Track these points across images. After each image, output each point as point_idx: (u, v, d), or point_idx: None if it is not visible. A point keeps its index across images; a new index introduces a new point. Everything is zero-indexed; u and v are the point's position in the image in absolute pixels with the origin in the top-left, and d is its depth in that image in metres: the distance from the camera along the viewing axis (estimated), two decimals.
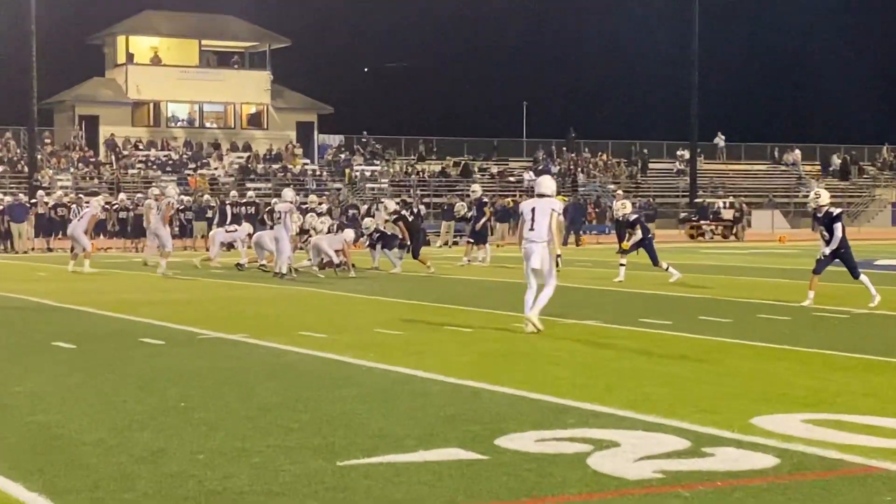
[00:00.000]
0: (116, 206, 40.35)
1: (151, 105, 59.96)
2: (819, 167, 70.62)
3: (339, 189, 55.69)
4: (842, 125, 78.10)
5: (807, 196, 18.69)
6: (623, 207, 22.72)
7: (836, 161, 69.67)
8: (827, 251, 16.68)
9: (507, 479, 6.40)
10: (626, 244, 22.49)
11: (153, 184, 39.84)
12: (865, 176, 70.08)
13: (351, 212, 44.10)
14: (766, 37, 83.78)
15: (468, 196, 33.48)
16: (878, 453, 7.00)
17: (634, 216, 22.86)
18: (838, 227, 16.58)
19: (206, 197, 43.42)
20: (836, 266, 17.11)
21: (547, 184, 13.88)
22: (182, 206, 38.75)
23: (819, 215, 16.93)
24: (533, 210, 13.54)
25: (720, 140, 69.93)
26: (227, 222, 34.12)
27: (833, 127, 77.30)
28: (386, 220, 25.66)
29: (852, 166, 70.05)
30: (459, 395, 9.17)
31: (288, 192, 24.51)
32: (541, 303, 13.44)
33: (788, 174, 69.50)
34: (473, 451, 7.05)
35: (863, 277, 16.75)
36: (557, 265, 13.50)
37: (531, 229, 13.47)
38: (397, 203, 38.84)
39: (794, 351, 11.80)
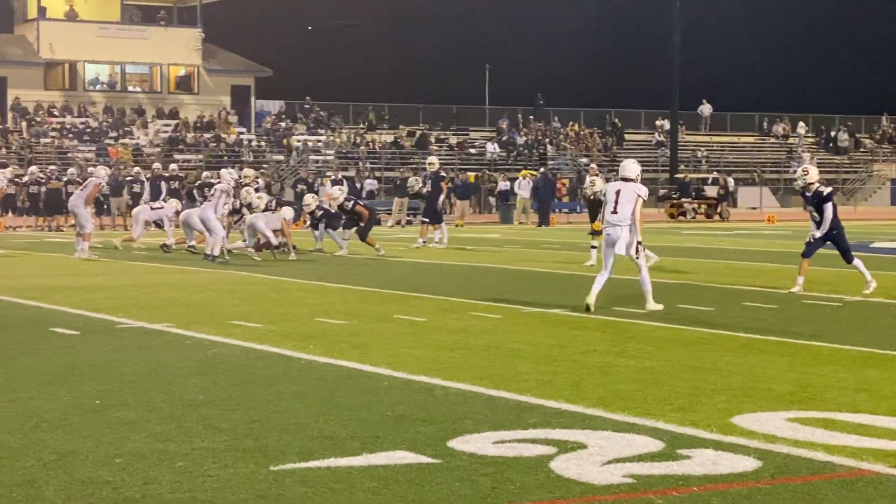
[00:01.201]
0: (26, 179, 40.03)
1: (66, 66, 59.39)
2: (813, 139, 71.15)
3: (279, 161, 55.52)
4: (837, 93, 78.71)
5: (796, 172, 18.86)
6: (593, 185, 22.83)
7: (845, 137, 69.85)
8: (817, 234, 16.82)
9: (460, 486, 6.43)
10: (598, 224, 22.59)
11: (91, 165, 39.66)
12: (863, 149, 70.63)
13: (300, 187, 44.08)
14: None
15: (423, 170, 33.43)
16: (869, 455, 7.08)
17: None
18: (829, 207, 16.72)
19: (137, 169, 43.17)
20: (828, 249, 17.26)
21: (631, 167, 14.96)
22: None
23: (808, 194, 17.06)
24: (618, 193, 14.57)
25: (706, 108, 70.25)
26: (162, 198, 34.07)
27: (826, 95, 77.89)
28: (340, 205, 25.57)
29: (836, 135, 70.55)
30: (410, 392, 9.19)
31: (227, 174, 24.83)
32: (647, 288, 14.60)
33: (778, 147, 69.97)
34: (424, 455, 7.07)
35: (857, 262, 16.91)
36: (637, 252, 14.54)
37: (614, 212, 14.50)
38: (340, 180, 38.80)
39: (781, 342, 11.90)
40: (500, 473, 6.65)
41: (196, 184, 37.86)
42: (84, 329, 12.82)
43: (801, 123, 71.01)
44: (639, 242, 14.60)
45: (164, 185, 39.36)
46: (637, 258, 14.64)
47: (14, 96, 56.40)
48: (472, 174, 52.68)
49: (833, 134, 70.25)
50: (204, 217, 23.42)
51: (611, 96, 72.33)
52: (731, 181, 59.09)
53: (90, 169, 27.53)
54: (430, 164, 30.28)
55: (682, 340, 12.06)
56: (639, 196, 14.64)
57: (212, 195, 23.82)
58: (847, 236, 17.20)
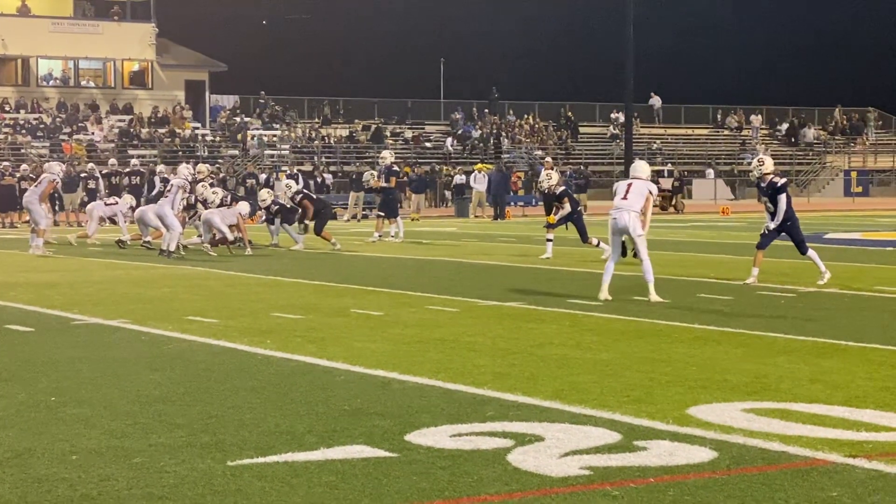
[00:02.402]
0: None
1: (19, 61, 58.91)
2: (767, 131, 71.63)
3: (233, 156, 55.29)
4: (789, 85, 79.21)
5: (750, 163, 19.02)
6: (549, 178, 22.85)
7: (811, 133, 70.12)
8: (772, 225, 16.92)
9: (417, 479, 6.42)
10: (553, 218, 22.66)
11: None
12: (815, 141, 71.12)
13: (249, 182, 43.89)
14: None
15: (379, 164, 33.36)
16: (824, 444, 7.13)
17: (562, 188, 23.02)
18: (783, 198, 16.81)
19: (91, 165, 42.86)
20: (782, 240, 17.37)
21: (643, 168, 15.70)
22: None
23: (763, 185, 17.16)
24: (629, 185, 15.13)
25: (656, 101, 70.55)
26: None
27: (779, 88, 78.37)
28: (291, 196, 25.52)
29: (802, 130, 71.04)
30: (366, 386, 9.17)
31: (184, 169, 24.80)
32: (649, 278, 14.91)
33: (732, 139, 70.33)
34: (381, 449, 7.06)
35: (811, 253, 17.01)
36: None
37: (624, 199, 15.02)
38: (295, 175, 38.68)
39: (736, 333, 11.96)
40: (457, 466, 6.65)
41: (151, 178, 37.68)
42: (39, 326, 12.73)
43: (757, 117, 71.38)
44: (639, 235, 15.05)
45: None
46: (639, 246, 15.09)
47: None
48: (422, 168, 52.57)
49: (800, 129, 70.55)
50: (161, 213, 23.33)
51: (565, 89, 72.52)
52: (710, 172, 59.61)
53: (45, 165, 27.35)
54: (382, 158, 30.22)
55: (638, 332, 12.10)
56: (650, 192, 15.19)
57: (168, 191, 23.74)
58: (801, 227, 17.31)
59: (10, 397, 8.72)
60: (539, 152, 60.53)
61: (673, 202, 50.12)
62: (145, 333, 12.12)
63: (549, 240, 22.63)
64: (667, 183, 51.77)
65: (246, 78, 66.93)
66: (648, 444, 7.14)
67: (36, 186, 25.33)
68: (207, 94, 62.14)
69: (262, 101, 63.37)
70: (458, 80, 76.21)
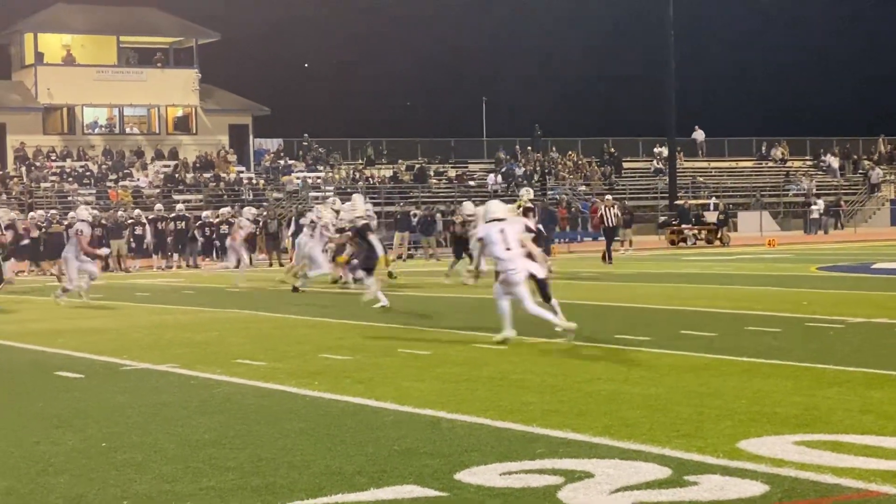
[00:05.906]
0: (28, 224, 40.00)
1: (65, 110, 59.56)
2: (812, 163, 71.24)
3: (278, 199, 55.58)
4: (833, 116, 78.83)
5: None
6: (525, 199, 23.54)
7: (875, 174, 68.93)
8: None
9: None
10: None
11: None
12: (861, 171, 70.64)
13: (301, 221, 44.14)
14: (744, 24, 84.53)
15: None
16: (877, 476, 7.07)
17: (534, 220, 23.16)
18: None
19: (138, 211, 43.19)
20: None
21: (497, 208, 15.31)
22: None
23: None
24: (502, 231, 14.80)
25: (699, 134, 70.43)
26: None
27: (823, 118, 78.02)
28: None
29: (845, 161, 70.60)
30: (415, 425, 9.17)
31: (323, 209, 26.87)
32: (549, 316, 14.66)
33: (776, 171, 70.02)
34: (432, 488, 7.06)
35: None
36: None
37: (508, 249, 14.71)
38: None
39: (785, 366, 11.89)
40: None
41: (197, 224, 37.95)
42: (88, 372, 12.82)
43: (831, 156, 70.63)
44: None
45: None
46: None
47: (15, 142, 56.48)
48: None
49: (845, 161, 70.06)
50: (311, 255, 25.41)
51: (607, 125, 72.53)
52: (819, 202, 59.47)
53: (71, 214, 27.49)
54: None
55: (687, 366, 12.05)
56: (525, 228, 15.53)
57: (312, 232, 25.65)
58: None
59: (61, 443, 8.78)
60: (583, 188, 60.44)
61: (719, 235, 49.92)
62: (194, 377, 12.18)
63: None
64: (712, 216, 51.63)
65: (289, 121, 67.41)
66: (699, 478, 7.11)
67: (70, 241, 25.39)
68: (251, 137, 62.57)
69: (305, 143, 63.73)
70: (500, 118, 76.40)
